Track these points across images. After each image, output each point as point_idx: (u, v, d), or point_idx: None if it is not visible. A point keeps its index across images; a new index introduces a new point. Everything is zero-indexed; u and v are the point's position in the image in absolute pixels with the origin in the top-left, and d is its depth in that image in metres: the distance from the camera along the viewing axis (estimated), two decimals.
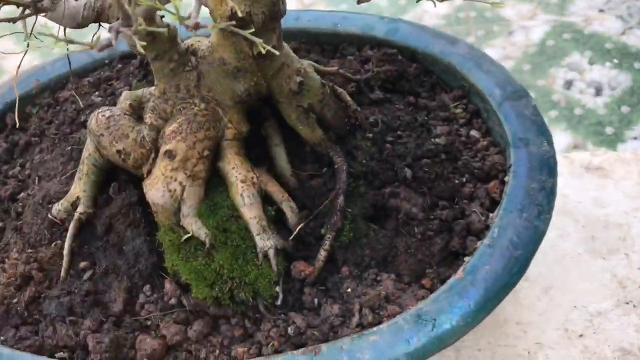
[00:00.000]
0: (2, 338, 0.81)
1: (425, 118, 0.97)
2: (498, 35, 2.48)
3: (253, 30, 0.62)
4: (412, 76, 1.04)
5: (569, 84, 2.41)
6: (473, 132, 0.98)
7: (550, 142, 0.89)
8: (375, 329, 0.75)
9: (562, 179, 0.96)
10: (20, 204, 0.94)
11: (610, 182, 1.26)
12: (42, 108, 1.09)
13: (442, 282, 0.81)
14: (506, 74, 0.98)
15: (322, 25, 1.12)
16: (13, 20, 0.55)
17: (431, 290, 0.80)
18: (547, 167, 0.86)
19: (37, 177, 0.97)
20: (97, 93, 1.05)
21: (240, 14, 0.68)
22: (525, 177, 0.86)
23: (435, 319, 0.75)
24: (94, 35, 0.68)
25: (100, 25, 0.76)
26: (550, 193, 0.84)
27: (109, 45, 0.47)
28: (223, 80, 0.79)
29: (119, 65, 1.10)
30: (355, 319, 0.77)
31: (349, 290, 0.79)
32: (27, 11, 0.56)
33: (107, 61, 1.13)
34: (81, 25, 0.72)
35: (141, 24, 0.48)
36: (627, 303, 1.07)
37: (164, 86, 0.80)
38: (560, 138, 2.12)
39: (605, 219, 1.19)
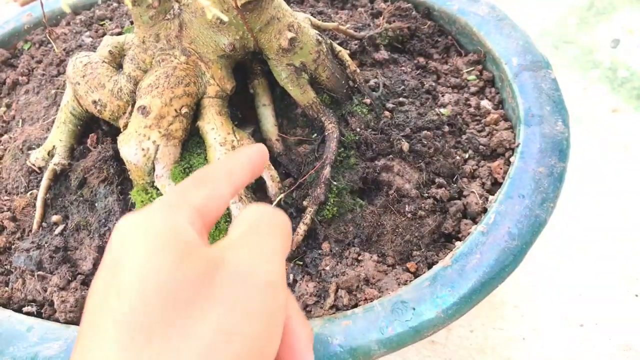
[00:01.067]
0: None
1: (433, 84, 0.88)
2: None
3: None
4: (425, 35, 0.95)
5: (616, 43, 2.24)
6: (484, 103, 0.89)
7: (565, 122, 0.80)
8: (349, 312, 0.70)
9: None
10: (2, 146, 0.91)
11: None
12: (34, 45, 1.04)
13: (429, 266, 0.75)
14: (527, 41, 0.88)
15: None
16: None
17: (415, 274, 0.74)
18: (559, 149, 0.78)
19: (20, 120, 0.93)
20: (87, 33, 0.99)
21: None
22: (533, 160, 0.78)
23: (415, 307, 0.69)
24: None
25: None
26: (558, 179, 0.76)
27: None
28: (206, 31, 0.73)
29: (114, 4, 1.04)
30: (330, 300, 0.72)
31: (327, 268, 0.74)
32: None
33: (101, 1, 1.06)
34: None
35: None
36: (637, 296, 1.00)
37: (143, 34, 0.74)
38: (599, 100, 1.99)
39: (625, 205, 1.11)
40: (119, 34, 0.97)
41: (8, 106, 0.97)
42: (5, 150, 0.89)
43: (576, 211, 1.11)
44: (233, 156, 0.51)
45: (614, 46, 2.24)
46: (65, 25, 1.04)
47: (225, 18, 0.47)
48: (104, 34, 0.98)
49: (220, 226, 0.73)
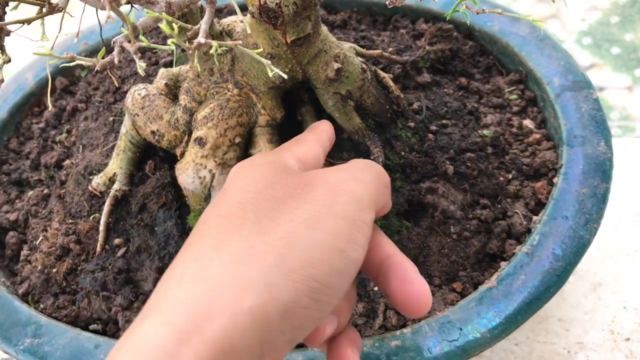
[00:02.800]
0: (42, 306, 0.85)
1: (475, 105, 0.90)
2: None
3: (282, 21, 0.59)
4: (467, 56, 0.97)
5: None
6: (527, 122, 0.91)
7: (608, 143, 0.81)
8: (398, 332, 0.73)
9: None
10: (65, 171, 0.97)
11: None
12: (90, 72, 1.10)
13: (475, 286, 0.77)
14: (569, 61, 0.90)
15: None
16: (28, 21, 0.54)
17: (462, 294, 0.77)
18: (602, 170, 0.79)
19: (81, 146, 0.98)
20: (141, 61, 1.04)
21: (270, 6, 0.64)
22: (576, 181, 0.79)
23: (462, 328, 0.72)
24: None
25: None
26: (601, 200, 0.78)
27: (111, 62, 0.45)
28: (257, 65, 0.76)
29: (165, 33, 1.08)
30: (378, 320, 0.75)
31: (376, 288, 0.78)
32: (44, 10, 0.54)
33: (154, 27, 1.11)
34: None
35: (144, 41, 0.46)
36: None
37: (197, 69, 0.78)
38: None
39: None
40: (171, 62, 1.01)
41: (69, 132, 1.03)
42: (68, 175, 0.95)
43: (622, 220, 1.12)
44: (316, 128, 0.67)
45: None
46: (119, 53, 1.09)
47: (284, 76, 0.51)
48: (157, 62, 1.03)
49: None
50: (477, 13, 0.50)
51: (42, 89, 1.09)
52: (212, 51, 0.46)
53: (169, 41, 0.45)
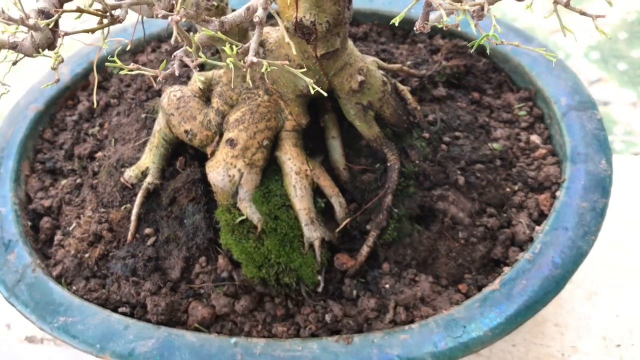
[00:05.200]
0: (74, 288, 0.91)
1: (486, 119, 0.97)
2: None
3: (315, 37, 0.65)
4: (480, 72, 1.03)
5: None
6: (534, 138, 0.97)
7: (609, 161, 0.88)
8: (406, 327, 0.79)
9: None
10: (97, 163, 1.03)
11: None
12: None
13: (479, 289, 0.84)
14: (576, 82, 0.96)
15: (396, 9, 1.12)
16: (92, 30, 0.60)
17: (466, 295, 0.83)
18: (602, 187, 0.85)
19: (113, 139, 1.04)
20: (172, 63, 1.10)
21: (305, 24, 0.70)
22: (577, 195, 0.85)
23: (465, 326, 0.78)
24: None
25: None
26: (599, 214, 0.84)
27: (172, 73, 0.52)
28: (287, 74, 0.82)
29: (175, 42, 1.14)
30: (389, 315, 0.81)
31: (387, 286, 0.84)
32: (105, 21, 0.60)
33: (185, 29, 1.17)
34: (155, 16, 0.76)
35: (202, 57, 0.52)
36: None
37: (231, 75, 0.84)
38: None
39: None
40: (202, 65, 1.07)
41: (101, 126, 1.09)
42: (101, 166, 1.01)
43: (618, 236, 1.17)
44: None
45: None
46: (150, 52, 1.16)
47: (319, 90, 0.56)
48: (186, 65, 1.09)
49: (294, 245, 0.83)
50: (497, 44, 0.56)
51: (77, 83, 1.15)
52: (263, 70, 0.52)
53: (228, 60, 0.51)
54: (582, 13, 0.57)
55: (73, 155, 1.07)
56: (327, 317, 0.82)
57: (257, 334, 0.83)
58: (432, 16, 0.57)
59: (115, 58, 0.54)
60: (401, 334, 0.78)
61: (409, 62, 1.01)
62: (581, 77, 1.60)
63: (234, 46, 0.54)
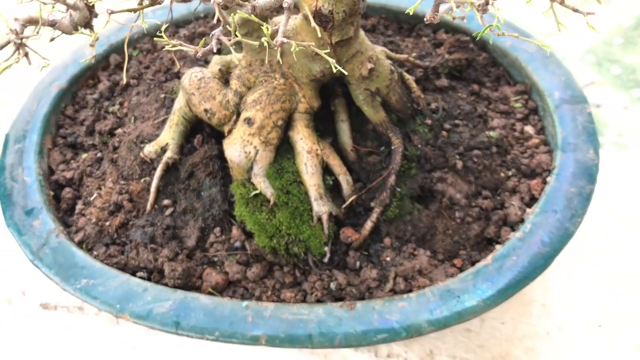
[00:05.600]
0: (95, 253, 0.97)
1: (484, 109, 1.04)
2: (594, 2, 2.38)
3: (332, 25, 0.72)
4: (480, 66, 1.10)
5: None
6: (528, 128, 1.04)
7: (596, 150, 0.95)
8: (405, 296, 0.86)
9: None
10: (117, 139, 1.09)
11: None
12: (142, 52, 1.22)
13: (472, 264, 0.91)
14: (569, 77, 1.03)
15: (403, 4, 1.19)
16: (135, 10, 0.66)
17: (461, 269, 0.90)
18: (589, 174, 0.93)
19: (133, 117, 1.11)
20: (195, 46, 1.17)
21: (324, 12, 0.76)
22: (566, 181, 0.93)
23: (459, 296, 0.85)
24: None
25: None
26: (586, 199, 0.91)
27: (211, 50, 0.58)
28: (302, 60, 0.89)
29: (213, 22, 1.21)
30: (389, 285, 0.88)
31: (388, 259, 0.91)
32: (145, 2, 0.67)
33: (202, 15, 1.24)
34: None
35: (238, 36, 0.58)
36: None
37: (250, 59, 0.91)
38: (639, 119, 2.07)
39: None
40: (219, 50, 1.14)
41: (121, 104, 1.15)
42: (121, 142, 1.07)
43: (603, 226, 1.25)
44: None
45: None
46: (168, 36, 1.22)
47: (338, 68, 0.63)
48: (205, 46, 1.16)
49: (303, 218, 0.90)
50: (498, 35, 0.62)
51: (98, 64, 1.21)
52: (292, 49, 0.59)
53: (263, 39, 0.58)
54: (575, 10, 0.64)
55: (94, 131, 1.13)
56: (332, 285, 0.89)
57: (266, 299, 0.90)
58: (442, 8, 0.64)
59: (162, 32, 0.60)
60: (400, 301, 0.85)
61: (414, 54, 1.08)
62: (575, 79, 1.66)
63: (248, 26, 0.60)
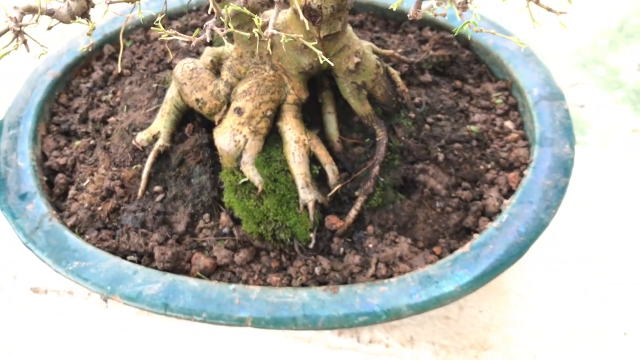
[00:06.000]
0: (87, 237, 1.00)
1: (466, 105, 1.07)
2: (581, 4, 2.39)
3: (321, 19, 0.75)
4: (463, 62, 1.14)
5: None
6: (507, 123, 1.08)
7: (572, 145, 0.99)
8: (386, 281, 0.90)
9: None
10: (110, 127, 1.12)
11: None
12: (135, 43, 1.25)
13: (451, 252, 0.94)
14: (548, 75, 1.07)
15: (390, 1, 1.22)
16: (132, 0, 0.69)
17: (440, 257, 0.94)
18: (564, 168, 0.97)
19: (125, 106, 1.13)
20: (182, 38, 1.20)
21: (313, 7, 0.80)
22: (543, 174, 0.97)
23: (438, 282, 0.89)
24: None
25: None
26: (561, 191, 0.95)
27: (204, 41, 0.61)
28: (291, 53, 0.92)
29: (205, 15, 1.24)
30: (371, 270, 0.92)
31: (370, 245, 0.94)
32: None
33: (195, 8, 1.27)
34: None
35: (230, 27, 0.62)
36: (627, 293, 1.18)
37: (241, 50, 0.94)
38: (621, 120, 2.10)
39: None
40: (210, 42, 1.17)
41: (114, 93, 1.18)
42: (113, 130, 1.10)
43: (578, 221, 1.29)
44: None
45: (639, 69, 2.35)
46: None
47: (326, 60, 0.66)
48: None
49: (290, 205, 0.94)
50: (476, 31, 0.66)
51: (92, 53, 1.24)
52: (281, 41, 0.62)
53: (254, 30, 0.61)
54: (549, 9, 0.67)
55: (87, 119, 1.16)
56: (317, 270, 0.93)
57: (253, 283, 0.93)
58: (424, 5, 0.67)
59: (159, 23, 0.63)
60: (381, 286, 0.89)
61: (400, 50, 1.11)
62: (561, 80, 1.69)
63: (239, 18, 0.64)
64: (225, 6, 0.62)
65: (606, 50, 2.24)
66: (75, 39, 1.24)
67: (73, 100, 1.20)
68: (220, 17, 0.62)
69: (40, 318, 1.14)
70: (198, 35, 0.64)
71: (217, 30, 0.62)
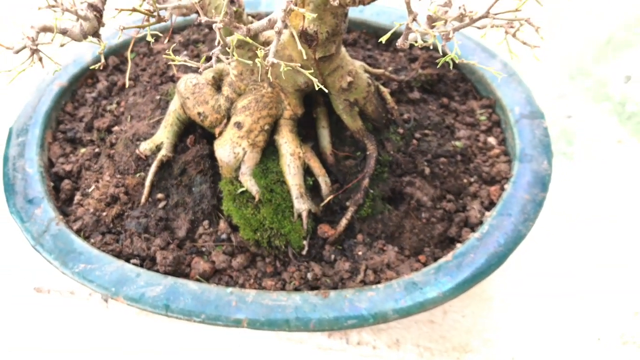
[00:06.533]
0: (92, 241, 1.06)
1: (452, 121, 1.14)
2: (568, 12, 2.44)
3: (316, 43, 0.81)
4: (450, 81, 1.21)
5: (627, 79, 2.41)
6: (490, 139, 1.15)
7: (550, 162, 1.06)
8: (374, 286, 0.96)
9: None
10: (114, 136, 1.18)
11: None
12: (139, 55, 1.31)
13: (435, 260, 1.01)
14: (529, 95, 1.14)
15: (382, 21, 1.29)
16: (141, 27, 0.75)
17: (425, 264, 1.00)
18: (542, 183, 1.04)
19: (129, 116, 1.19)
20: (185, 52, 1.26)
21: (309, 32, 0.86)
22: (522, 189, 1.03)
23: (422, 288, 0.95)
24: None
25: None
26: (538, 205, 1.02)
27: (211, 66, 0.67)
28: (288, 72, 0.99)
29: (206, 30, 1.30)
30: (360, 276, 0.98)
31: (360, 253, 1.01)
32: (151, 20, 0.76)
33: (196, 23, 1.33)
34: (185, 15, 0.92)
35: (235, 56, 0.68)
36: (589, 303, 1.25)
37: (241, 68, 1.00)
38: (607, 131, 2.14)
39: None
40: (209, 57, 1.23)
41: (118, 103, 1.24)
42: (118, 139, 1.16)
43: (559, 231, 1.36)
44: None
45: (625, 81, 2.41)
46: (165, 42, 1.31)
47: (318, 85, 0.72)
48: (198, 55, 1.25)
49: (285, 214, 1.00)
50: (459, 62, 0.72)
51: (97, 64, 1.29)
52: (281, 69, 0.68)
53: (257, 60, 0.67)
54: (524, 43, 0.74)
55: (92, 127, 1.22)
56: (309, 275, 0.99)
57: (249, 286, 0.99)
58: (411, 36, 0.74)
59: (170, 52, 0.69)
60: (369, 291, 0.95)
61: (390, 68, 1.18)
62: (549, 91, 1.73)
63: (246, 46, 0.70)
64: (231, 38, 0.68)
65: (593, 63, 2.27)
66: (82, 52, 1.30)
67: (79, 109, 1.26)
68: (227, 48, 0.68)
69: (42, 317, 1.19)
70: (207, 61, 0.70)
71: (223, 57, 0.69)
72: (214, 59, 0.69)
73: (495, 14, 0.63)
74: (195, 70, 1.18)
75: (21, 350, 1.15)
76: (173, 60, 0.68)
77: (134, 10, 0.76)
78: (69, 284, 1.24)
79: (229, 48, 0.68)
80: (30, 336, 1.17)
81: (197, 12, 0.80)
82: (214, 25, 0.66)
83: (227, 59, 0.69)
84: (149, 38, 0.77)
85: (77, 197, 1.12)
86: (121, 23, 0.76)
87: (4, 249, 1.30)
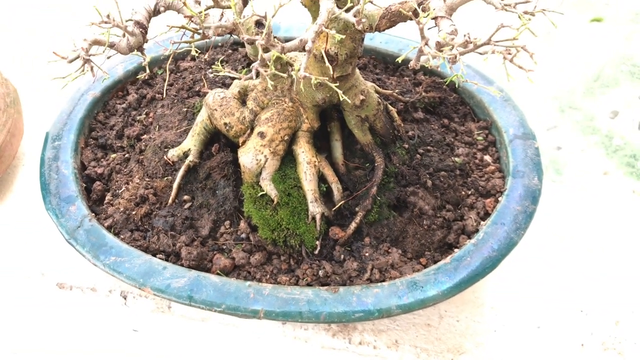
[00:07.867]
0: (122, 237, 1.16)
1: (452, 139, 1.26)
2: (560, 49, 2.56)
3: (336, 63, 0.93)
4: (451, 104, 1.33)
5: (614, 114, 2.52)
6: (486, 157, 1.26)
7: (540, 178, 1.17)
8: (379, 284, 1.06)
9: None
10: (143, 143, 1.28)
11: None
12: (166, 71, 1.43)
13: (435, 262, 1.11)
14: (522, 118, 1.26)
15: (390, 48, 1.41)
16: (189, 42, 0.87)
17: (425, 266, 1.11)
18: (533, 196, 1.15)
19: (157, 126, 1.30)
20: (210, 70, 1.38)
21: (331, 53, 0.98)
22: (514, 201, 1.14)
23: (423, 286, 1.05)
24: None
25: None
26: (529, 216, 1.13)
27: (251, 77, 0.78)
28: (308, 89, 1.10)
29: (230, 51, 1.42)
30: (366, 275, 1.08)
31: (367, 254, 1.11)
32: (197, 36, 0.87)
33: (220, 44, 1.45)
34: (220, 35, 1.03)
35: (272, 68, 0.79)
36: (582, 311, 1.35)
37: (265, 84, 1.12)
38: (594, 162, 2.22)
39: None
40: (250, 70, 1.34)
41: (147, 114, 1.35)
42: (147, 146, 1.27)
43: (549, 248, 1.46)
44: None
45: (612, 117, 2.52)
46: (190, 60, 1.43)
47: (341, 96, 0.83)
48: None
49: (300, 216, 1.10)
50: (463, 82, 0.84)
51: (128, 78, 1.41)
52: (312, 82, 0.79)
53: (292, 72, 0.78)
54: (520, 67, 0.85)
55: (122, 135, 1.32)
56: (320, 273, 1.09)
57: (265, 281, 1.09)
58: (422, 58, 0.85)
59: (217, 64, 0.80)
60: (375, 288, 1.05)
61: (397, 90, 1.30)
62: (540, 123, 1.81)
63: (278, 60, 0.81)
64: (269, 54, 0.80)
65: (583, 97, 2.36)
66: (115, 65, 1.42)
67: (110, 119, 1.37)
68: (267, 61, 0.79)
69: (64, 312, 1.28)
70: (247, 72, 0.81)
71: (261, 70, 0.80)
72: (253, 71, 0.80)
73: (496, 42, 0.75)
74: (220, 86, 1.29)
75: (43, 343, 1.23)
76: (219, 72, 0.79)
77: (183, 27, 0.87)
78: (90, 280, 1.32)
79: (269, 61, 0.79)
80: (53, 329, 1.25)
81: (231, 32, 0.91)
82: (256, 42, 0.77)
83: (266, 71, 0.80)
84: (193, 52, 0.88)
85: (108, 197, 1.22)
86: (156, 39, 0.87)
87: (32, 247, 1.38)
